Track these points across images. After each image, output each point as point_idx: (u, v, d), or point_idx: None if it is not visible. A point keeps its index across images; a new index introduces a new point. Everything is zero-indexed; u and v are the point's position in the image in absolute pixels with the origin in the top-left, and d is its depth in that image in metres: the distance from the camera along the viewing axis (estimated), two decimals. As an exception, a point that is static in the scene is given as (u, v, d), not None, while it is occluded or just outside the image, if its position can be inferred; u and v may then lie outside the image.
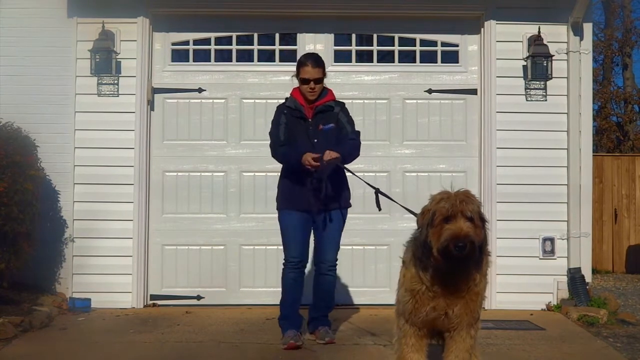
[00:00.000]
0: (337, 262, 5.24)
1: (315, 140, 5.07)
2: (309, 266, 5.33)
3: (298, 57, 6.72)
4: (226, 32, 7.01)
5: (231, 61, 7.03)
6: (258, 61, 7.02)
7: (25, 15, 6.75)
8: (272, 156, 5.24)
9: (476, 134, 6.95)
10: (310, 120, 5.14)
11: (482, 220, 3.44)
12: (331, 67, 6.99)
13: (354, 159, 5.21)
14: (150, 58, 6.87)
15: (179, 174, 6.91)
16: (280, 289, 5.23)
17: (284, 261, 5.19)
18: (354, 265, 6.88)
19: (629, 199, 11.45)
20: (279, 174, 5.28)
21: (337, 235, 5.18)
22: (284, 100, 5.32)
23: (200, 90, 6.95)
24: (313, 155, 4.89)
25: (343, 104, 5.31)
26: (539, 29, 6.72)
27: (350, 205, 5.29)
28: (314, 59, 5.19)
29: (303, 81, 5.14)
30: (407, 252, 3.74)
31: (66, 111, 6.69)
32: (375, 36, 7.07)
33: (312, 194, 5.02)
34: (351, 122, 5.25)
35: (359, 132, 5.27)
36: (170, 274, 6.86)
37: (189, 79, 6.97)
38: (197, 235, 6.89)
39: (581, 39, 6.81)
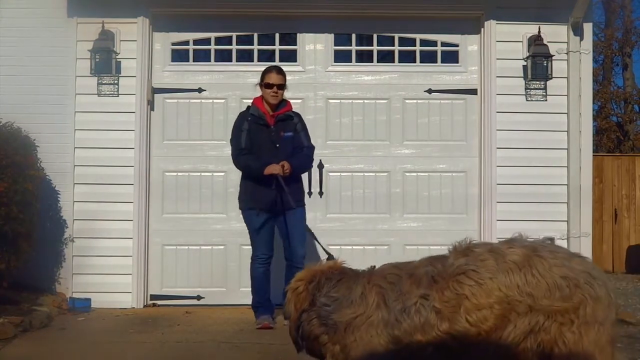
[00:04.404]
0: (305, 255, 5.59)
1: (277, 145, 5.56)
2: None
3: (298, 57, 6.86)
4: (226, 32, 7.00)
5: (231, 61, 7.03)
6: (258, 61, 7.01)
7: (25, 15, 6.74)
8: (234, 163, 5.70)
9: (476, 134, 6.94)
10: (272, 127, 5.60)
11: None
12: (331, 67, 7.01)
13: (306, 170, 5.93)
14: (150, 58, 6.87)
15: (179, 174, 6.91)
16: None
17: (253, 257, 5.72)
18: (353, 265, 6.84)
19: (629, 199, 11.45)
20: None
21: (303, 230, 5.55)
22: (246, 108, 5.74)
23: (200, 90, 6.95)
24: (276, 165, 5.40)
25: (300, 115, 5.83)
26: (539, 29, 6.71)
27: (304, 204, 5.70)
28: (278, 68, 5.77)
29: (267, 86, 5.62)
30: None
31: (66, 111, 6.69)
32: (375, 36, 7.06)
33: (273, 197, 5.50)
34: (307, 134, 5.76)
35: (313, 147, 5.78)
36: (170, 274, 6.86)
37: (189, 79, 6.96)
38: (197, 235, 6.88)
39: (581, 39, 6.81)
